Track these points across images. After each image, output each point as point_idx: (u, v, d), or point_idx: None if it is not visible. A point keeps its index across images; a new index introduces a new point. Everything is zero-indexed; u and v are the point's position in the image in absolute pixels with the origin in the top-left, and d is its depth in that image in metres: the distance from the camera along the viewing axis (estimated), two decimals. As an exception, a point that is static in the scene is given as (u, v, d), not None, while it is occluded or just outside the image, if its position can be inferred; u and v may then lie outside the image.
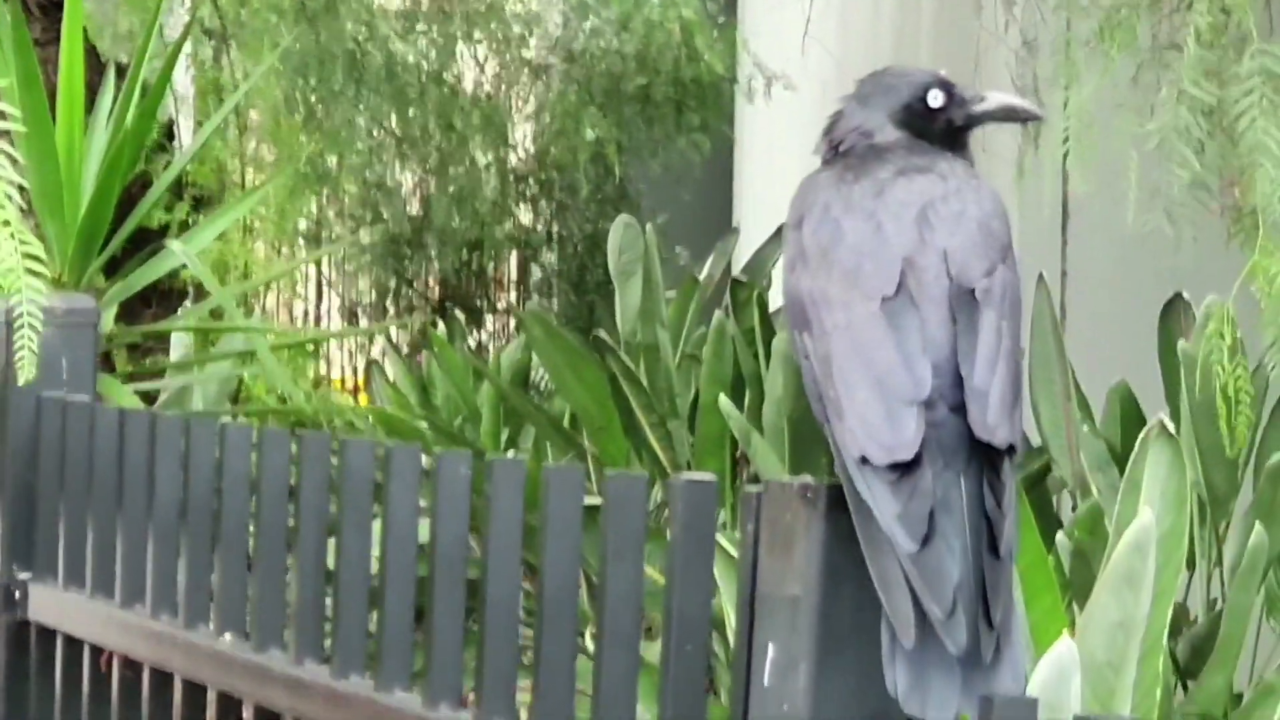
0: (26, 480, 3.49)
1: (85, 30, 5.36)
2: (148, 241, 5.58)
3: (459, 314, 8.24)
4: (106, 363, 5.35)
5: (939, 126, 2.15)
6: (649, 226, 6.41)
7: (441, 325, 7.98)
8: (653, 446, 5.59)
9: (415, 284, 8.90)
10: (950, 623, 1.87)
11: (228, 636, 2.99)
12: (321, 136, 7.24)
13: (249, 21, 6.73)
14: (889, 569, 1.89)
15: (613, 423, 5.64)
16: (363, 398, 8.39)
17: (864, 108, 2.16)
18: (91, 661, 3.31)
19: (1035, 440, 4.72)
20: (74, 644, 3.36)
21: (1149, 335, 4.87)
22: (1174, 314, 4.85)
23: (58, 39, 5.25)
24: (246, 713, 2.93)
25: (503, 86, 8.23)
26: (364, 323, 9.24)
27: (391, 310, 8.93)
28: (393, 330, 8.93)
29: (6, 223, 2.43)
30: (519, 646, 2.51)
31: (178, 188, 6.22)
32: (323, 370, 9.08)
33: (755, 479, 5.30)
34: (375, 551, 2.73)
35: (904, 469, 1.90)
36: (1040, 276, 4.76)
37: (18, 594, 3.48)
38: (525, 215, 8.82)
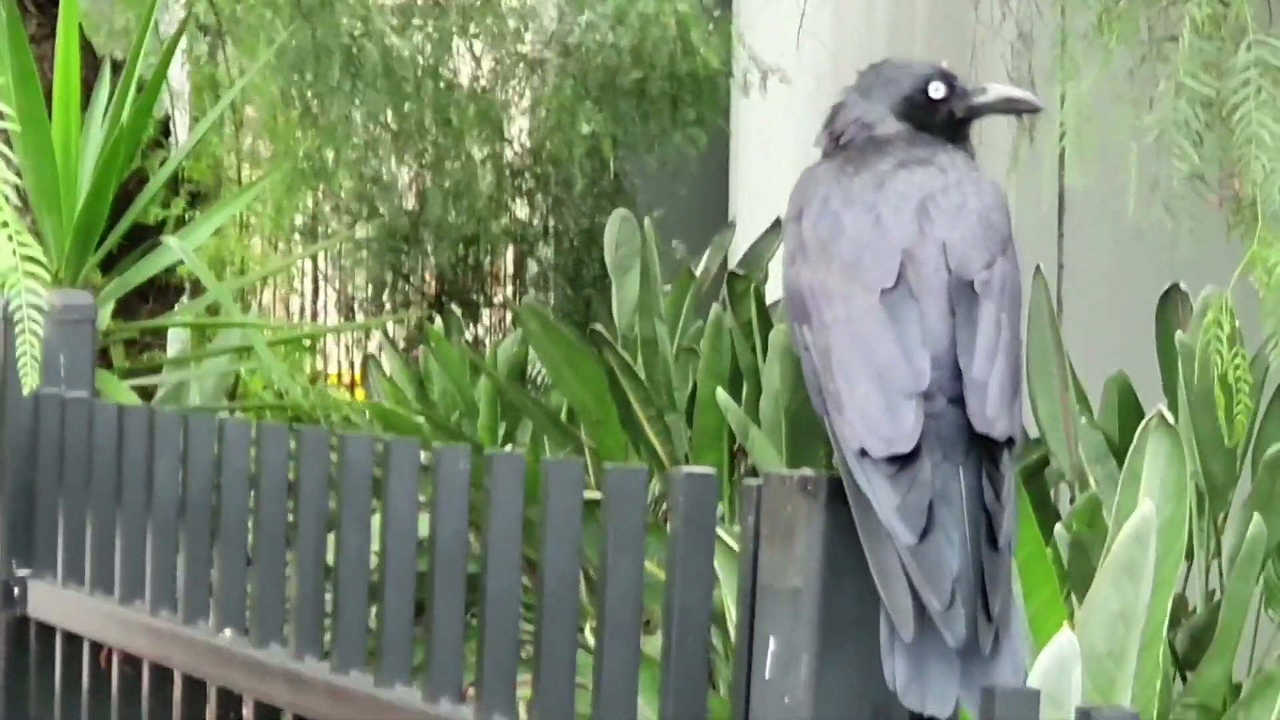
0: (25, 477, 3.49)
1: (81, 26, 5.36)
2: (144, 237, 5.58)
3: (456, 309, 8.22)
4: (104, 358, 5.35)
5: (940, 118, 2.15)
6: (646, 220, 6.41)
7: (438, 320, 7.96)
8: (650, 440, 5.59)
9: (412, 279, 8.89)
10: (949, 615, 1.86)
11: (227, 632, 2.98)
12: (317, 132, 7.23)
13: (244, 17, 6.73)
14: (888, 561, 1.88)
15: (610, 416, 5.64)
16: (359, 393, 8.38)
17: (865, 99, 2.16)
18: (91, 657, 3.31)
19: (1033, 432, 4.72)
20: (73, 640, 3.36)
21: (1146, 327, 4.87)
22: (1171, 305, 4.85)
23: (53, 35, 5.25)
24: (246, 708, 2.92)
25: (498, 81, 8.22)
26: (361, 318, 9.22)
27: (388, 305, 8.92)
28: (389, 325, 8.91)
29: (4, 224, 2.42)
30: (519, 641, 2.51)
31: (174, 184, 6.23)
32: (319, 365, 9.06)
33: (753, 472, 5.30)
34: (375, 546, 2.72)
35: (903, 461, 1.90)
36: (1037, 269, 4.76)
37: (17, 590, 3.48)
38: (521, 210, 8.81)
